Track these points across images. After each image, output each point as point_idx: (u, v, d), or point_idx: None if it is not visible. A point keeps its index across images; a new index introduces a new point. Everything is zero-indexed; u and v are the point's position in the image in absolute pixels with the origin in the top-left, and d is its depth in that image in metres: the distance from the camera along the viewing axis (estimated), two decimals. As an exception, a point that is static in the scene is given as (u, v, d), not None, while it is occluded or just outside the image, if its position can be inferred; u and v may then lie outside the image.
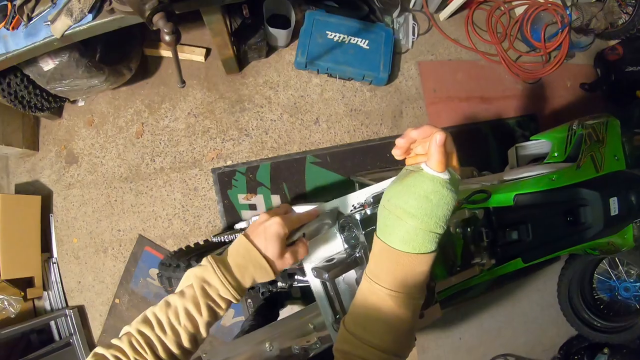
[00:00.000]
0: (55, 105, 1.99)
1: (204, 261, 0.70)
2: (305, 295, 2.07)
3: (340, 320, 0.81)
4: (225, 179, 2.16)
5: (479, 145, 2.44)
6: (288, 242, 0.73)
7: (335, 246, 0.90)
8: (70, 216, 2.16)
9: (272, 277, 0.72)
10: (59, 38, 1.42)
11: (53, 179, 2.17)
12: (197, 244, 1.73)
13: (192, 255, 1.60)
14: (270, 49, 2.30)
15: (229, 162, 2.20)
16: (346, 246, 0.91)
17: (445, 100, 2.47)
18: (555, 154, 1.49)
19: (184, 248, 1.72)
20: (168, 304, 0.66)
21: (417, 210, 0.57)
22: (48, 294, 2.10)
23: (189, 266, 1.40)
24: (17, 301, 1.91)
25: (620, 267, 2.40)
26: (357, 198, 0.92)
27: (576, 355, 2.52)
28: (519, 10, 2.61)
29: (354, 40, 2.26)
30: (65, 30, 1.41)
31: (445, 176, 0.58)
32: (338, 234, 0.90)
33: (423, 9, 2.46)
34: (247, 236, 0.72)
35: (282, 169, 2.18)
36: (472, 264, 1.25)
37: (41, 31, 1.43)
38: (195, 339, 0.67)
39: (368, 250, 0.89)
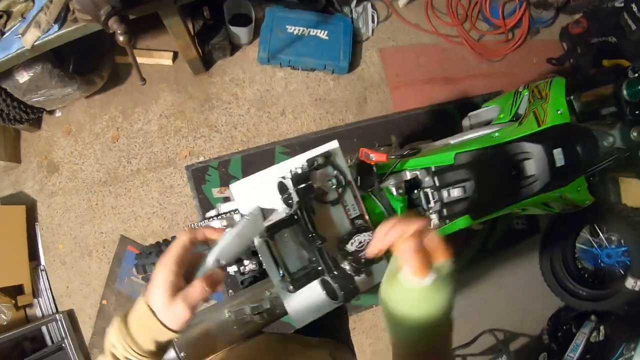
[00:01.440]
0: (34, 116, 2.09)
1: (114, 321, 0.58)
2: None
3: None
4: (198, 175, 2.24)
5: (445, 125, 2.49)
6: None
7: (274, 206, 0.98)
8: (54, 223, 2.24)
9: (170, 335, 0.56)
10: (29, 49, 1.52)
11: (36, 189, 2.26)
12: (173, 237, 1.80)
13: (162, 242, 1.67)
14: (234, 47, 2.39)
15: (201, 159, 2.28)
16: (284, 206, 0.98)
17: (408, 84, 2.53)
18: (502, 115, 1.52)
19: (160, 241, 1.80)
20: None
21: (411, 321, 0.54)
22: (38, 301, 2.17)
23: (159, 252, 1.45)
24: (8, 309, 1.99)
25: (600, 234, 2.41)
26: (294, 164, 0.98)
27: (564, 325, 2.53)
28: (477, -9, 2.67)
29: (313, 32, 2.34)
30: (35, 41, 1.51)
31: (428, 281, 0.51)
32: (278, 195, 0.98)
33: (381, -3, 2.55)
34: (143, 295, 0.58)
35: (253, 161, 2.26)
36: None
37: (13, 44, 1.52)
38: None
39: (303, 209, 0.96)
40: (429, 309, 0.53)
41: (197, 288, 0.56)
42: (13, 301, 2.02)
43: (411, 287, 0.53)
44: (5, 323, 1.96)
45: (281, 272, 1.00)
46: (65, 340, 2.12)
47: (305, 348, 0.99)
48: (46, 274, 2.20)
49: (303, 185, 0.99)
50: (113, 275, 2.24)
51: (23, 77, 1.75)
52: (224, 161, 2.26)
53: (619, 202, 2.41)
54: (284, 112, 2.38)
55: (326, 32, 2.35)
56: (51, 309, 2.18)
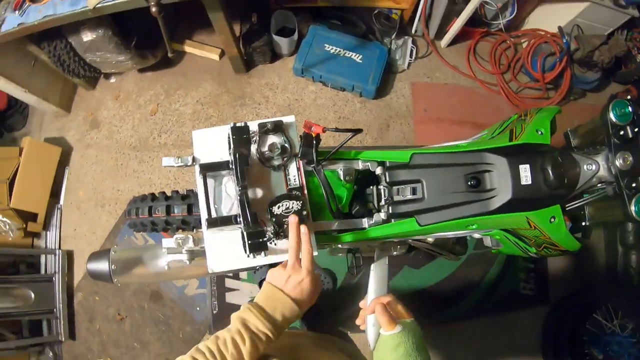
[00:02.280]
0: (90, 74, 2.41)
1: (243, 306, 0.83)
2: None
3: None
4: (213, 160, 2.41)
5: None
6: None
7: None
8: (82, 172, 2.52)
9: (299, 314, 0.84)
10: (91, 9, 1.82)
11: (76, 138, 2.58)
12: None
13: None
14: (275, 55, 2.61)
15: (220, 146, 2.46)
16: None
17: (435, 121, 2.54)
18: (485, 133, 1.45)
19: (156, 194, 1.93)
20: (217, 337, 0.77)
21: None
22: (46, 234, 2.42)
23: (154, 198, 1.55)
24: (17, 228, 2.24)
25: (615, 319, 2.14)
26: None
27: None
28: (525, 44, 2.66)
29: (348, 54, 2.48)
30: (97, 4, 1.81)
31: (396, 330, 0.80)
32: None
33: (423, 35, 2.63)
34: (275, 286, 0.85)
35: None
36: (360, 215, 1.30)
37: (80, 2, 1.82)
38: None
39: (236, 156, 1.03)
40: (404, 350, 0.78)
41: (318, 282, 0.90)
42: (24, 225, 2.27)
43: (385, 335, 0.81)
44: (10, 239, 2.20)
45: (207, 217, 1.06)
46: (57, 275, 2.31)
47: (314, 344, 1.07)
48: (61, 212, 2.45)
49: (240, 136, 1.07)
50: (117, 230, 2.42)
51: (87, 36, 2.07)
52: (239, 153, 2.40)
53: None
54: (306, 122, 2.50)
55: (361, 56, 2.48)
56: (55, 244, 2.40)
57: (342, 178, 1.24)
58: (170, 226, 1.39)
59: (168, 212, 1.37)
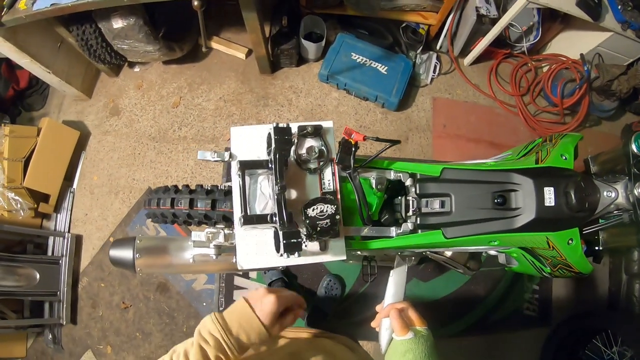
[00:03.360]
0: (115, 62, 2.43)
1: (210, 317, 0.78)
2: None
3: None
4: (232, 158, 2.42)
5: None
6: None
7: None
8: (98, 157, 2.53)
9: (264, 338, 0.79)
10: None
11: (95, 124, 2.59)
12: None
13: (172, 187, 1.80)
14: (301, 59, 2.63)
15: (239, 143, 2.47)
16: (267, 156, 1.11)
17: (453, 137, 2.56)
18: (509, 153, 1.48)
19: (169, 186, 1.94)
20: (173, 350, 0.74)
21: None
22: (56, 216, 2.42)
23: (177, 191, 1.56)
24: (29, 207, 2.24)
25: (615, 347, 2.15)
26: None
27: None
28: (545, 69, 2.71)
29: (374, 64, 2.51)
30: None
31: (408, 336, 0.81)
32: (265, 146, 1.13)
33: (448, 51, 2.66)
34: (247, 301, 0.81)
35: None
36: (388, 224, 1.32)
37: None
38: None
39: (276, 156, 1.05)
40: (412, 357, 0.78)
41: (290, 319, 0.86)
42: (35, 205, 2.27)
43: (397, 339, 0.83)
44: (20, 218, 2.19)
45: (243, 213, 1.08)
46: (64, 258, 2.31)
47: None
48: (73, 196, 2.46)
49: (283, 137, 1.09)
50: (129, 218, 2.43)
51: (118, 23, 2.08)
52: (257, 153, 2.42)
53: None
54: (326, 126, 2.53)
55: (386, 68, 2.50)
56: (64, 227, 2.40)
57: (374, 186, 1.27)
58: (192, 220, 1.40)
59: (191, 206, 1.38)
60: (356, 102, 2.60)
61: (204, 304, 2.29)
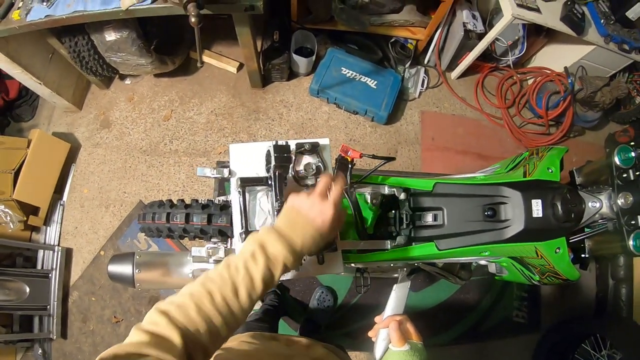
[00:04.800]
0: (107, 74, 2.42)
1: (262, 228, 0.77)
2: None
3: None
4: (224, 171, 2.43)
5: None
6: None
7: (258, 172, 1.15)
8: (88, 170, 2.51)
9: (319, 244, 0.78)
10: (124, 10, 1.84)
11: (85, 136, 2.57)
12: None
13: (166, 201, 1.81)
14: (292, 74, 2.67)
15: (231, 157, 2.49)
16: (266, 173, 1.14)
17: (441, 150, 2.62)
18: (497, 169, 1.54)
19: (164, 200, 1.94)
20: (228, 263, 0.71)
21: None
22: (46, 229, 2.38)
23: (172, 205, 1.56)
24: (18, 220, 2.20)
25: (604, 350, 2.21)
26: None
27: None
28: (530, 81, 2.80)
29: (364, 79, 2.56)
30: (130, 6, 1.83)
31: (405, 348, 0.85)
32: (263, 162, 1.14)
33: (436, 65, 2.73)
34: (298, 210, 0.77)
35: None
36: (382, 237, 1.35)
37: (112, 3, 1.83)
38: (250, 295, 0.69)
39: (276, 173, 1.07)
40: None
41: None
42: (25, 218, 2.24)
43: (393, 350, 0.85)
44: (10, 231, 2.16)
45: (243, 229, 1.10)
46: (54, 272, 2.28)
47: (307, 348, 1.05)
48: (63, 209, 2.43)
49: (282, 154, 1.12)
50: (120, 232, 2.41)
51: (111, 36, 2.09)
52: (249, 166, 2.44)
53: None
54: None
55: (375, 82, 2.56)
56: (54, 240, 2.37)
57: (369, 201, 1.30)
58: (188, 234, 1.40)
59: (187, 220, 1.38)
60: (346, 115, 2.64)
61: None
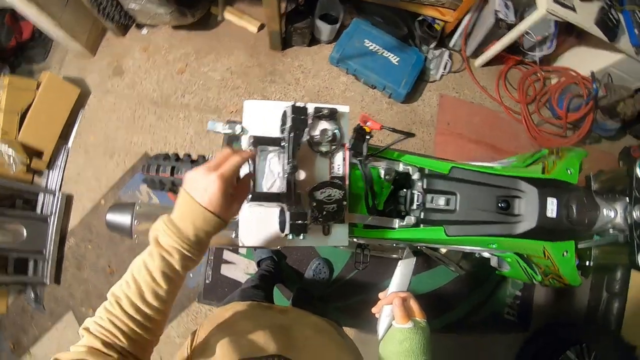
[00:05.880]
0: (124, 22, 2.36)
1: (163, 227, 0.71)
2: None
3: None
4: (234, 131, 2.39)
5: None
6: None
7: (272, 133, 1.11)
8: (96, 117, 2.47)
9: (222, 226, 0.73)
10: None
11: (96, 82, 2.52)
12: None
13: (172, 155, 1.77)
14: (314, 39, 2.59)
15: (242, 119, 2.44)
16: (280, 134, 1.10)
17: (455, 136, 2.57)
18: (513, 160, 1.50)
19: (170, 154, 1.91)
20: (133, 263, 0.70)
21: (397, 355, 0.80)
22: (49, 173, 2.36)
23: (178, 159, 1.54)
24: (21, 162, 2.18)
25: (587, 359, 2.22)
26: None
27: None
28: (554, 80, 2.72)
29: (386, 54, 2.48)
30: None
31: (408, 325, 0.84)
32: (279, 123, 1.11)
33: (461, 50, 2.65)
34: (189, 194, 0.71)
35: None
36: (391, 215, 1.32)
37: None
38: (155, 292, 0.67)
39: (291, 134, 1.03)
40: (411, 345, 0.80)
41: (244, 190, 0.86)
42: (28, 161, 2.22)
43: (396, 327, 0.85)
44: (12, 173, 2.14)
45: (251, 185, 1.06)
46: (52, 217, 2.27)
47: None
48: (68, 154, 2.40)
49: (299, 116, 1.07)
50: (122, 182, 2.39)
51: (132, -18, 2.01)
52: (259, 129, 2.40)
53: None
54: (331, 110, 2.51)
55: (398, 59, 2.48)
56: (56, 185, 2.35)
57: (382, 176, 1.26)
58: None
59: (191, 175, 1.35)
60: (364, 89, 2.58)
61: (191, 275, 2.28)
